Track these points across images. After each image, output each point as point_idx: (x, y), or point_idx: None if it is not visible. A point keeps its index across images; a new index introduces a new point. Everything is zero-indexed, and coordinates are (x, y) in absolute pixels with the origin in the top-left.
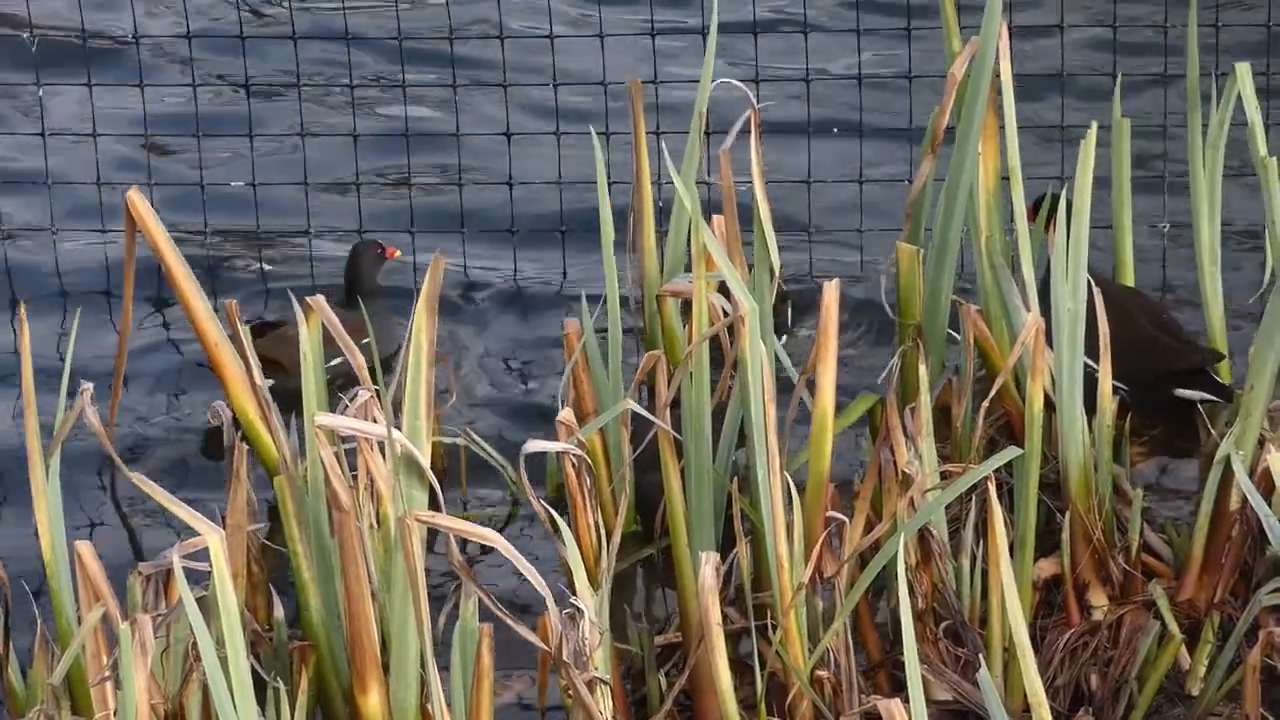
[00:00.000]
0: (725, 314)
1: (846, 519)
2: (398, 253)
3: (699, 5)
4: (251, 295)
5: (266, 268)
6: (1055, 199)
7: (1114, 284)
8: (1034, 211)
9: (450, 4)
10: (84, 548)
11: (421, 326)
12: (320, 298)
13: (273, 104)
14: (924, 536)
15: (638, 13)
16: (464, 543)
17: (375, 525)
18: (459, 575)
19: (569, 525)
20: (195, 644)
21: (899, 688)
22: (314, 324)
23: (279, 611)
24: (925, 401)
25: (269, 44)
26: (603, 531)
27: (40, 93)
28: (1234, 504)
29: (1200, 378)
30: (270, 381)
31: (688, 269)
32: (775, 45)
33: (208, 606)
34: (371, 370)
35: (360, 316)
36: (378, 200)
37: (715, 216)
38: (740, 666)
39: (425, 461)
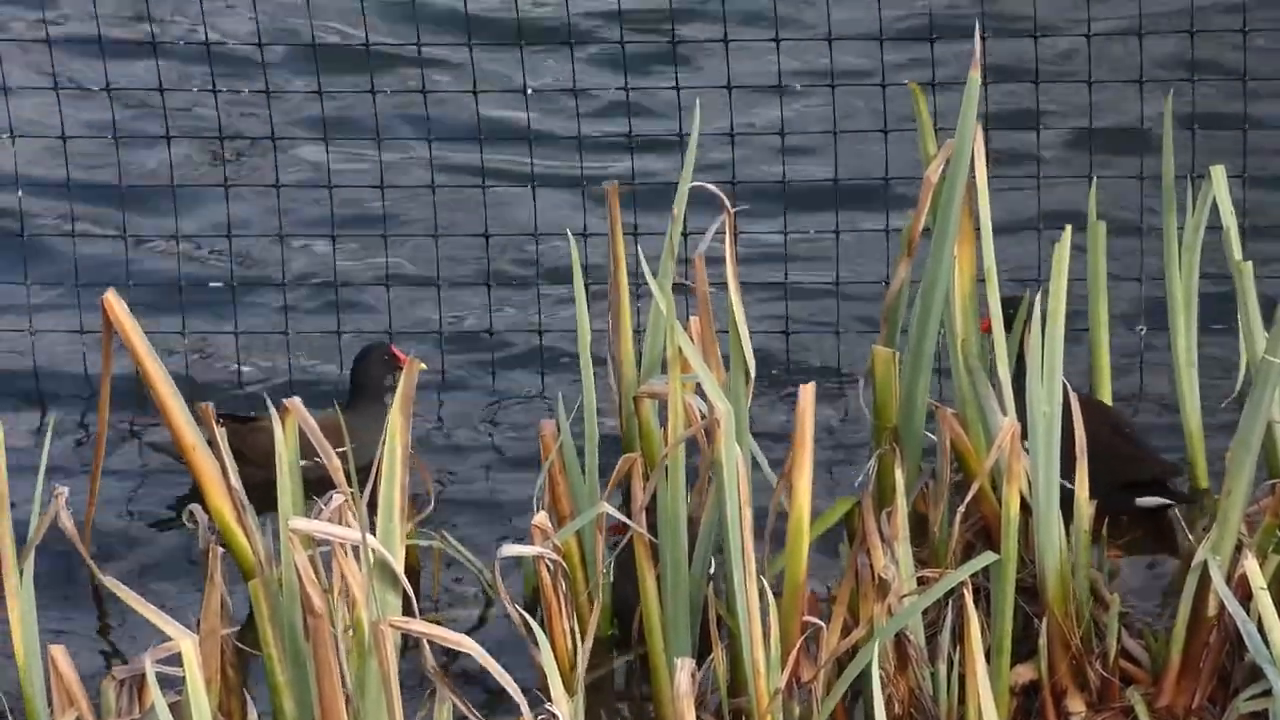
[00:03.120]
0: (702, 416)
1: (823, 624)
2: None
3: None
4: (229, 396)
5: (244, 369)
6: (1030, 306)
7: (1075, 391)
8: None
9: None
10: (58, 652)
11: (396, 429)
12: (296, 399)
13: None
14: (901, 641)
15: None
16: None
17: (349, 629)
18: (433, 679)
19: (544, 629)
20: None
21: None
22: (290, 426)
23: (253, 715)
24: (902, 505)
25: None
26: (578, 636)
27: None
28: (1211, 610)
29: (1158, 487)
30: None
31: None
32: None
33: (181, 711)
34: (361, 472)
35: (363, 419)
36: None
37: (692, 318)
38: None
39: (399, 567)
